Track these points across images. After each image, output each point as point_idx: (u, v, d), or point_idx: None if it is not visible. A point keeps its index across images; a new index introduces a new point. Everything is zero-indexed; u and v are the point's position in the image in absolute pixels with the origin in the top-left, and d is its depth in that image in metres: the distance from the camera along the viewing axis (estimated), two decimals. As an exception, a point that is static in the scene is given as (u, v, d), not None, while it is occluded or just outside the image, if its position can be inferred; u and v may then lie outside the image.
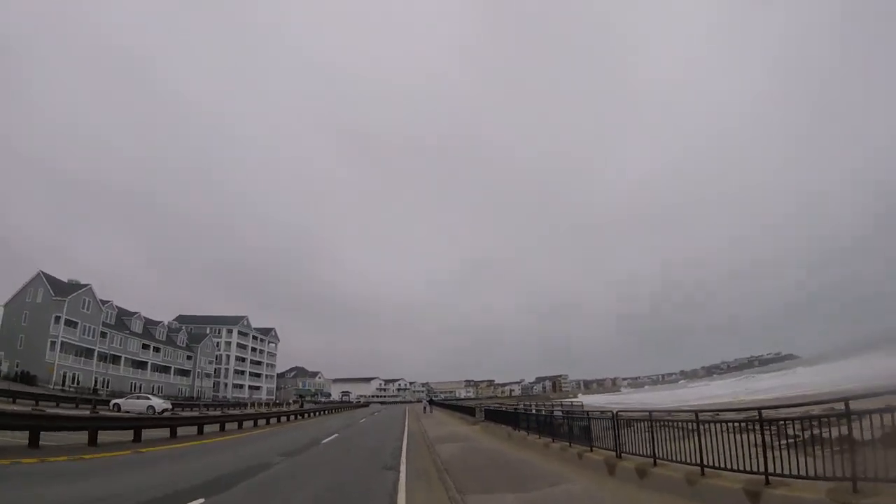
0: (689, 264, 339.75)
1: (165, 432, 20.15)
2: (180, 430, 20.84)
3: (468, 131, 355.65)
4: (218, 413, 31.11)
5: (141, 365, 73.64)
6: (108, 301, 69.61)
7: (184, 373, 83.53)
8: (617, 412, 10.96)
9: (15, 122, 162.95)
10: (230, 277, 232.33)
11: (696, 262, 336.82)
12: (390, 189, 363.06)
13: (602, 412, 12.88)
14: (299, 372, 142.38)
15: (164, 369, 78.56)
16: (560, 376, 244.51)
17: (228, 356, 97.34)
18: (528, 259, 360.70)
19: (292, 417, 40.43)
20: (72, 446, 14.28)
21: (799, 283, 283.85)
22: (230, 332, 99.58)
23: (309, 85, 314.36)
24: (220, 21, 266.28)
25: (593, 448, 11.33)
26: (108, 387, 66.79)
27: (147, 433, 18.42)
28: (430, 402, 67.57)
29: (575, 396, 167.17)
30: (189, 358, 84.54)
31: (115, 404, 38.40)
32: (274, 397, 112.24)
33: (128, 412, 34.17)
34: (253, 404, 67.58)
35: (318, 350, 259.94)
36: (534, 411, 21.08)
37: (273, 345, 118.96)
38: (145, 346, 74.46)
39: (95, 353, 64.99)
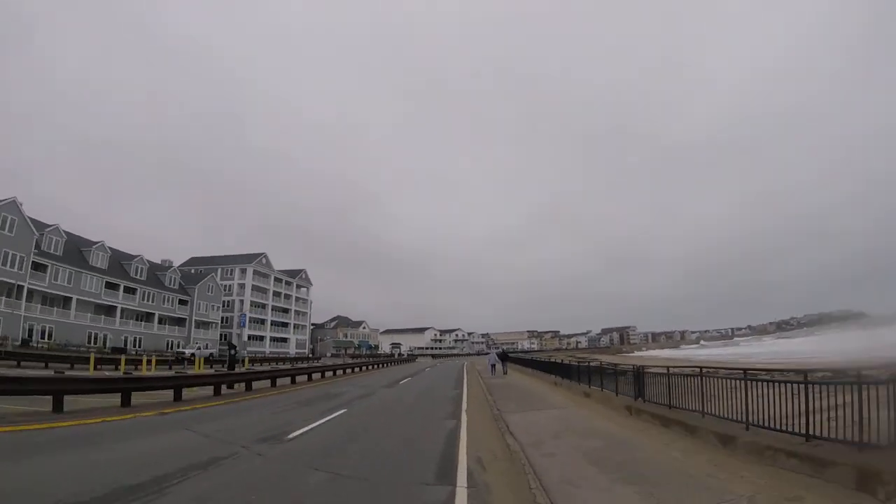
0: (763, 208, 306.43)
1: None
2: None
3: (533, 67, 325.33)
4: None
5: (108, 310, 53.57)
6: (52, 225, 49.57)
7: (178, 322, 63.78)
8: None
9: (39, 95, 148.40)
10: (278, 234, 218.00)
11: (772, 206, 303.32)
12: (449, 135, 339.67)
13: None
14: (341, 322, 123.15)
15: (146, 316, 58.92)
16: (628, 328, 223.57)
17: (242, 301, 76.58)
18: (595, 204, 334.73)
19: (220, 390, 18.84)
20: None
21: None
22: (244, 272, 78.89)
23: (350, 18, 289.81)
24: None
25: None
26: (50, 338, 47.42)
27: None
28: (504, 356, 39.64)
29: (641, 350, 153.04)
30: (183, 303, 64.15)
31: None
32: (307, 351, 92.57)
33: None
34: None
35: (371, 304, 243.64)
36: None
37: (304, 290, 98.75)
38: (112, 286, 54.11)
39: (25, 292, 44.71)
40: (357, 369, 42.70)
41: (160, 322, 60.99)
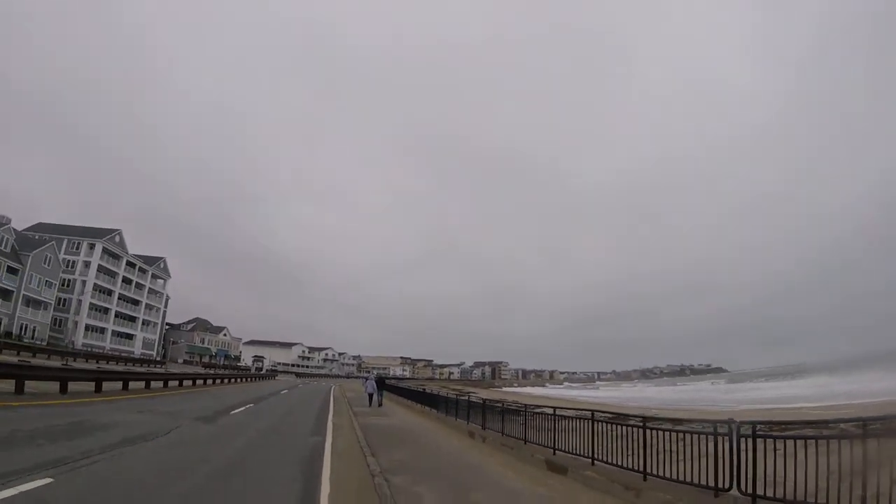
0: (639, 271, 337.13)
1: None
2: None
3: (449, 99, 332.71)
4: None
5: None
6: None
7: (4, 294, 55.94)
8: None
9: None
10: (145, 217, 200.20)
11: (647, 272, 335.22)
12: (342, 150, 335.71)
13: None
14: (199, 325, 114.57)
15: (-41, 281, 50.72)
16: (500, 363, 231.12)
17: (84, 282, 68.99)
18: (481, 239, 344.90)
19: None
20: None
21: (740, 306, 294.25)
22: (91, 248, 71.03)
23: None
24: None
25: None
26: None
27: None
28: (381, 384, 32.69)
29: (512, 386, 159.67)
30: (13, 272, 56.52)
31: None
32: (155, 353, 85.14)
33: None
34: None
35: (237, 310, 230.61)
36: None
37: (161, 282, 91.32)
38: (-79, 237, 46.39)
39: None
40: (194, 382, 35.64)
41: (-21, 291, 53.14)
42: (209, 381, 40.39)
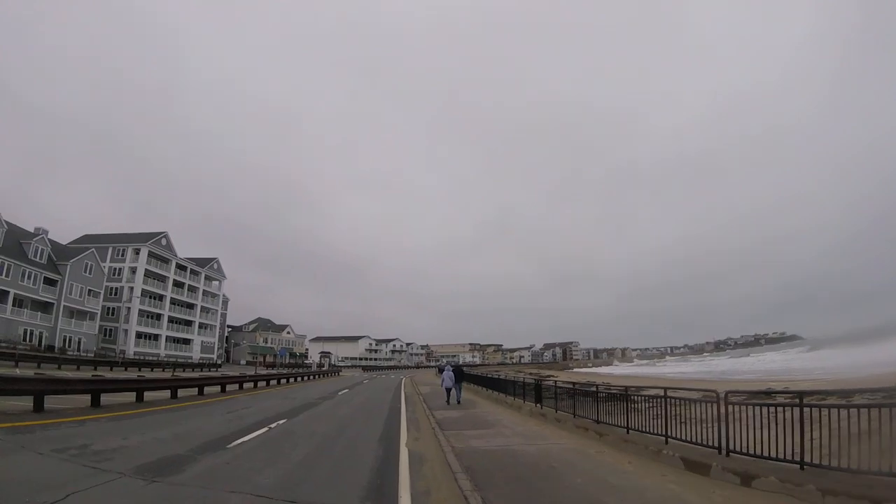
0: (703, 239, 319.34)
1: None
2: None
3: (490, 74, 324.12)
4: None
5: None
6: None
7: (42, 306, 52.49)
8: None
9: None
10: (198, 229, 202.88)
11: (710, 238, 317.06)
12: (398, 139, 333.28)
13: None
14: (261, 324, 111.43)
15: (-2, 295, 47.52)
16: (571, 343, 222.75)
17: (132, 289, 65.47)
18: (542, 219, 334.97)
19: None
20: None
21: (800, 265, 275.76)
22: (137, 253, 67.59)
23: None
24: None
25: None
26: None
27: None
28: (460, 375, 24.80)
29: (587, 366, 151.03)
30: (51, 283, 53.11)
31: None
32: (215, 356, 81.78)
33: None
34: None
35: (302, 308, 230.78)
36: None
37: (216, 283, 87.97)
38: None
39: None
40: (222, 388, 27.23)
41: (17, 304, 49.76)
42: (250, 384, 32.20)
